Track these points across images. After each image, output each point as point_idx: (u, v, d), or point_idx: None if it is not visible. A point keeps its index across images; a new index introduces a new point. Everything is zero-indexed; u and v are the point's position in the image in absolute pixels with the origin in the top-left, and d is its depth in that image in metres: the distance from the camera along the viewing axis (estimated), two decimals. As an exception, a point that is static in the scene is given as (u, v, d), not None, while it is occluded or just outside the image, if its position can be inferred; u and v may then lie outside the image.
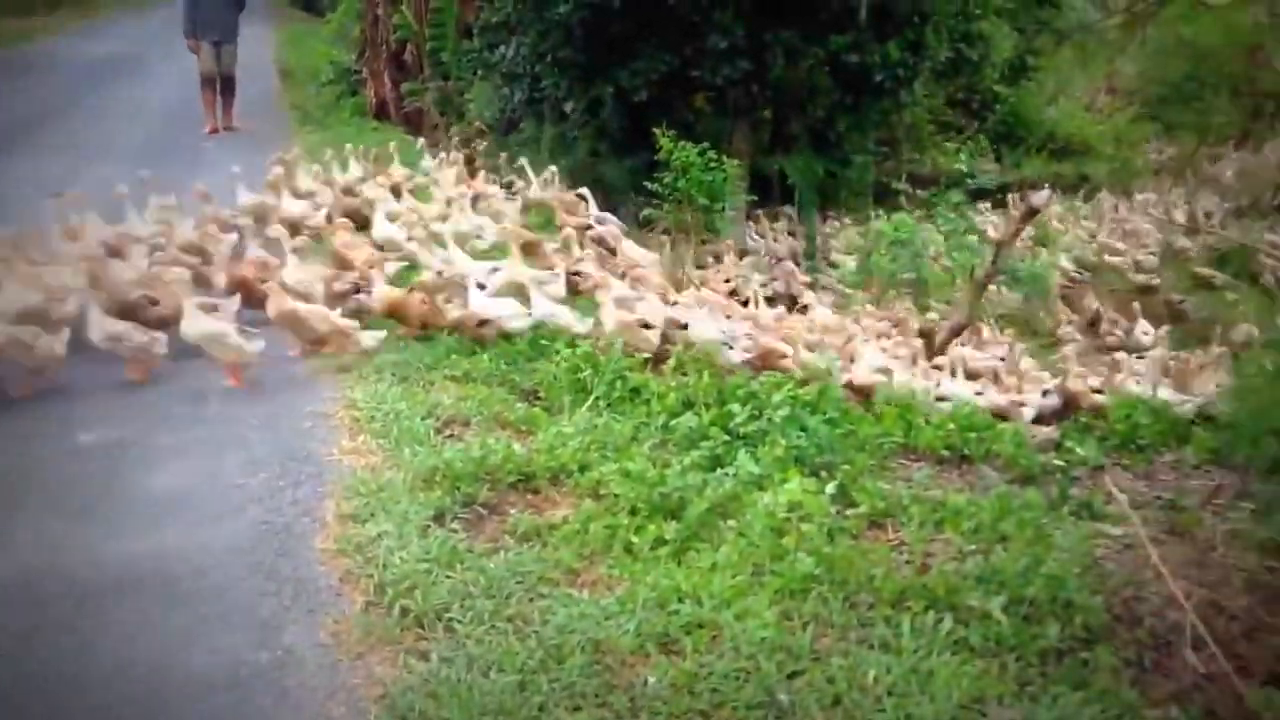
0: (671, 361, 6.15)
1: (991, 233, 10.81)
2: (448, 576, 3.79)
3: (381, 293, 6.40)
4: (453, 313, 6.38)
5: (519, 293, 6.77)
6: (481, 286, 6.71)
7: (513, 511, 4.39)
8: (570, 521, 4.25)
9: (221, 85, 13.61)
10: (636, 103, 11.21)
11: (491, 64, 12.71)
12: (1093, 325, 10.99)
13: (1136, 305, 11.12)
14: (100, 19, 27.84)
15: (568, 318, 6.57)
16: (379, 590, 3.72)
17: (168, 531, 4.21)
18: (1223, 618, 3.74)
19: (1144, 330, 10.61)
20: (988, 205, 15.66)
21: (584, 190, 9.73)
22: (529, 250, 7.55)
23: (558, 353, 6.08)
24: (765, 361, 6.50)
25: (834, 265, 12.53)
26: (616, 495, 4.45)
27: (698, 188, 9.47)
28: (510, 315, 6.48)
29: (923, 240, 11.53)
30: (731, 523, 4.27)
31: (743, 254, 10.61)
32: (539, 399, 5.76)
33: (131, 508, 4.42)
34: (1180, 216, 15.37)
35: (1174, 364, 8.20)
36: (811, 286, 10.33)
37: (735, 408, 5.42)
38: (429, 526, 4.12)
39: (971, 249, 10.24)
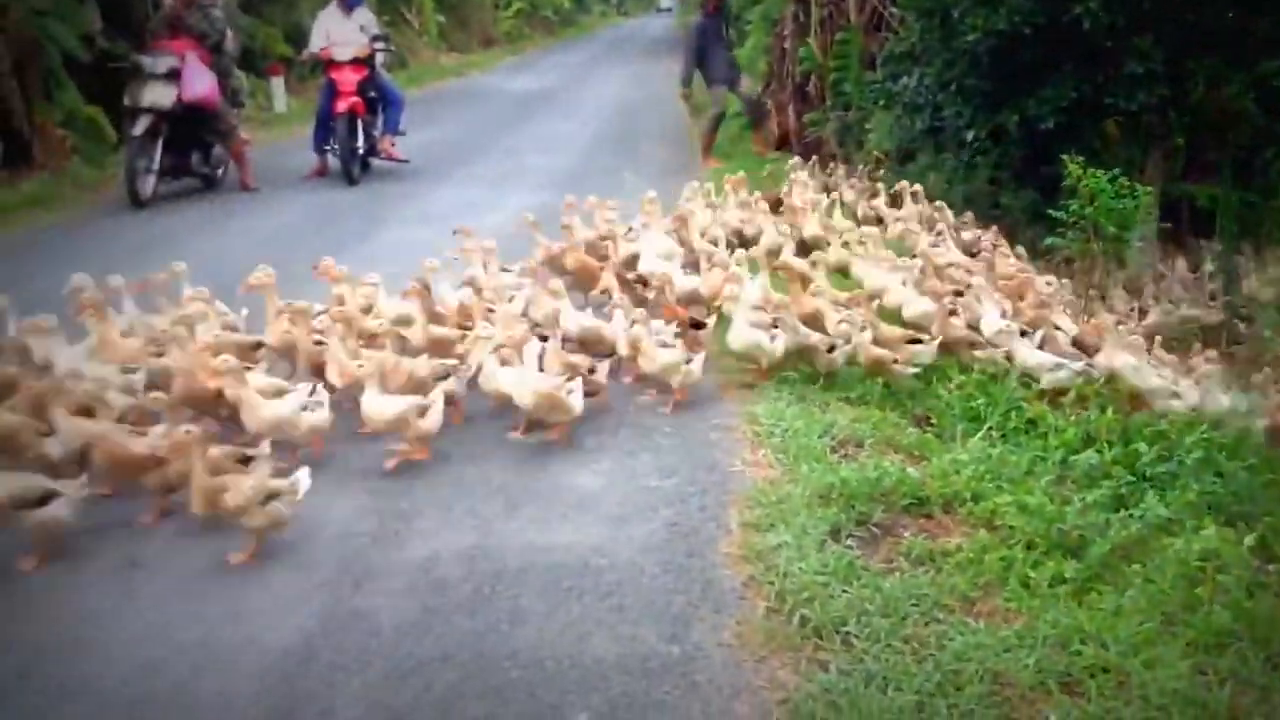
0: (1071, 394, 5.96)
1: None
2: (844, 591, 3.92)
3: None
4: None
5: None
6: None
7: (906, 534, 4.46)
8: (964, 549, 4.26)
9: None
10: (1041, 130, 10.86)
11: (893, 94, 12.74)
12: None
13: None
14: (522, 56, 30.70)
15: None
16: (779, 598, 3.91)
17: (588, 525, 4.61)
18: None
19: None
20: None
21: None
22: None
23: (950, 379, 6.07)
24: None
25: (1258, 303, 11.40)
26: (1012, 527, 4.41)
27: (1106, 215, 9.04)
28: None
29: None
30: (1137, 566, 4.11)
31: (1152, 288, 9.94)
32: (930, 425, 5.78)
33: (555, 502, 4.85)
34: None
35: None
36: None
37: (1142, 447, 5.20)
38: (825, 541, 4.27)
39: None
